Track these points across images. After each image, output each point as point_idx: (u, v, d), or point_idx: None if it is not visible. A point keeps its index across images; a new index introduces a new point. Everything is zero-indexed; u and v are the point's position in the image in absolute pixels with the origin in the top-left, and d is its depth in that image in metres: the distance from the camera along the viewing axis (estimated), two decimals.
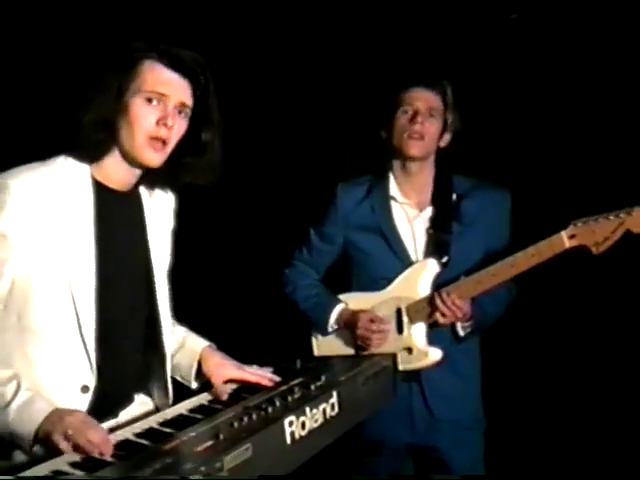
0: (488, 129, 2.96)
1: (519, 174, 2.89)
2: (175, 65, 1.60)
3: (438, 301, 2.13)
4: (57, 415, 1.46)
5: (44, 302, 1.56)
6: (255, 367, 1.88)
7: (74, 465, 1.37)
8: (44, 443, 1.44)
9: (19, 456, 1.53)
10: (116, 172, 1.65)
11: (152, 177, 1.70)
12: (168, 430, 1.53)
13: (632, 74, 2.88)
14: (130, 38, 1.66)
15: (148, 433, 1.53)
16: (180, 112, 1.61)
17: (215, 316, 2.99)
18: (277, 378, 1.82)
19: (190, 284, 2.10)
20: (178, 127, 1.61)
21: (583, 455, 2.91)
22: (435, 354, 2.20)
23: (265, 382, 1.80)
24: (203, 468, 1.28)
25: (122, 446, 1.46)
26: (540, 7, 2.94)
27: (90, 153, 1.60)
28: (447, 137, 2.29)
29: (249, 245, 3.34)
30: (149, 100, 1.58)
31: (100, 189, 1.64)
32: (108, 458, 1.38)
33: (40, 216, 1.53)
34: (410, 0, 3.04)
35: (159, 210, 1.80)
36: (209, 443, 1.38)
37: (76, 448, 1.40)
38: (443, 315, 2.13)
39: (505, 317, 2.33)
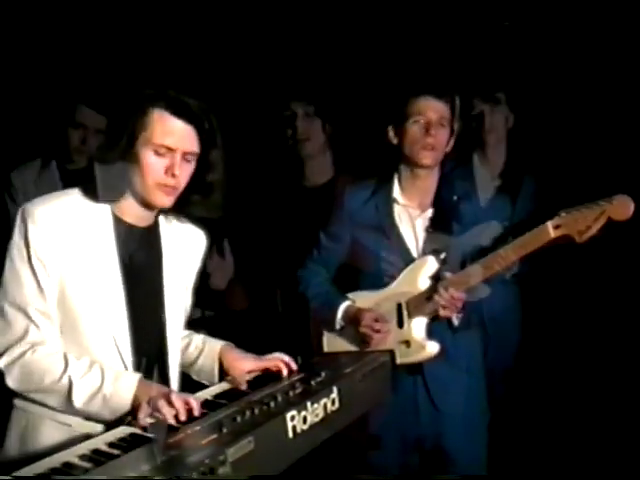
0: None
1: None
2: (182, 113, 1.68)
3: (437, 296, 2.18)
4: (143, 384, 1.64)
5: (81, 319, 1.68)
6: (276, 354, 1.95)
7: (82, 458, 1.42)
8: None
9: None
10: (132, 209, 1.75)
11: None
12: (173, 424, 1.58)
13: (624, 79, 2.93)
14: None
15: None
16: (187, 160, 1.71)
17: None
18: (294, 366, 1.90)
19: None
20: (185, 173, 1.71)
21: (581, 451, 2.95)
22: (432, 347, 2.26)
23: (283, 367, 1.87)
24: (207, 460, 1.33)
25: (128, 439, 1.51)
26: (533, 14, 2.99)
27: (105, 198, 1.70)
28: (452, 142, 2.35)
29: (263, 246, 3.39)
30: (157, 152, 1.67)
31: (119, 222, 1.74)
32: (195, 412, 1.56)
33: (62, 240, 1.64)
34: (411, 8, 3.09)
35: (183, 247, 1.89)
36: (213, 436, 1.42)
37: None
38: (444, 308, 2.18)
39: None
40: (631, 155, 2.89)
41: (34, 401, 1.67)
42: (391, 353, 2.19)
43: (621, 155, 2.93)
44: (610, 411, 3.00)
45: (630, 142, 2.94)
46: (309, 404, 1.63)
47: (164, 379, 1.83)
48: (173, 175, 1.67)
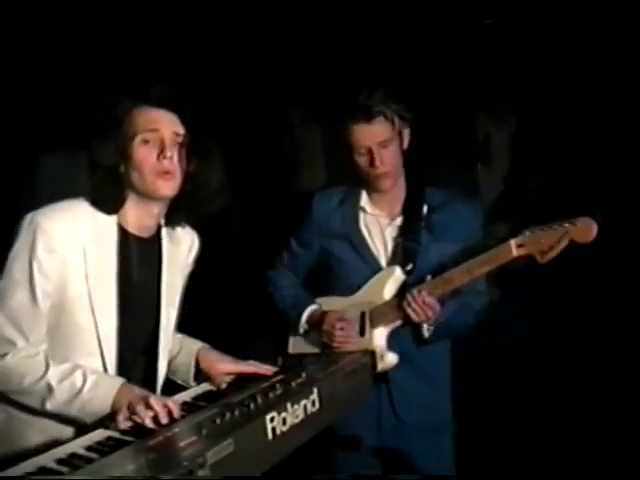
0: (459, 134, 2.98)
1: None
2: (155, 101, 1.74)
3: (410, 299, 2.15)
4: (125, 388, 1.64)
5: (70, 328, 1.71)
6: (252, 362, 1.96)
7: (59, 462, 1.41)
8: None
9: None
10: (135, 219, 1.78)
11: (171, 218, 1.86)
12: (152, 426, 1.57)
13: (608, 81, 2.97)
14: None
15: (133, 429, 1.57)
16: (176, 142, 1.74)
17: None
18: (274, 368, 1.91)
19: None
20: (178, 156, 1.74)
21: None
22: (391, 359, 2.23)
23: (262, 371, 1.89)
24: (186, 463, 1.32)
25: (106, 443, 1.50)
26: (515, 12, 3.03)
27: (107, 208, 1.75)
28: (406, 137, 2.28)
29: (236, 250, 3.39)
30: (145, 141, 1.71)
31: (123, 233, 1.77)
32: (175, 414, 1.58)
33: (68, 252, 1.68)
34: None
35: (180, 252, 1.94)
36: (192, 439, 1.41)
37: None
38: (415, 312, 2.15)
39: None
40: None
41: (15, 403, 1.68)
42: (372, 354, 2.18)
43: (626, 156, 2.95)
44: (610, 412, 3.01)
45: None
46: (289, 405, 1.63)
47: (152, 378, 1.85)
48: (165, 157, 1.71)
